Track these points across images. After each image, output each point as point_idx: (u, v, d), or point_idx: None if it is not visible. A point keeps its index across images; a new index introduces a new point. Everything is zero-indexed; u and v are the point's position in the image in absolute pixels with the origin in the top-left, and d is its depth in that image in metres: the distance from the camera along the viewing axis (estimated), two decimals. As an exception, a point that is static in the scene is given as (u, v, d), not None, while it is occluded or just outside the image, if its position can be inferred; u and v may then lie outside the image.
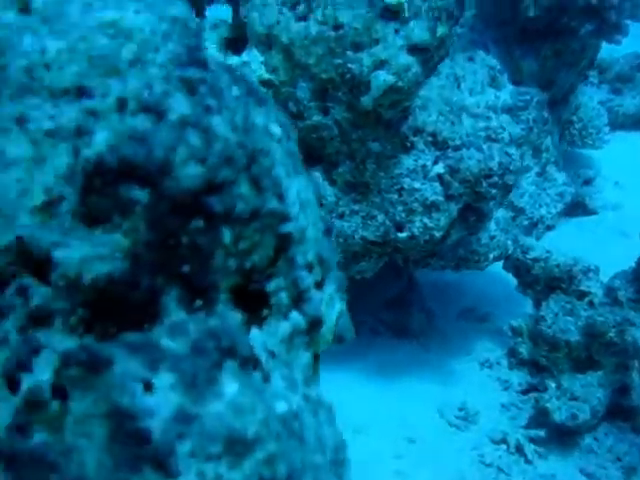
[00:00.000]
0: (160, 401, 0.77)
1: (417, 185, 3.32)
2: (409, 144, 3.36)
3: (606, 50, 5.78)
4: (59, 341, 0.88)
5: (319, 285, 1.03)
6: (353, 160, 3.39)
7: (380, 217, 3.39)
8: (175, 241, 0.87)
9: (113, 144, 0.85)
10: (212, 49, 3.59)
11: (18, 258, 0.87)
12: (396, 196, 3.35)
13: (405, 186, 3.33)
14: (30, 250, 0.87)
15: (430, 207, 3.32)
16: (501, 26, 5.73)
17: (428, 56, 3.30)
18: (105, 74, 0.89)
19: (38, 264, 0.88)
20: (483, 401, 3.94)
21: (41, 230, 0.86)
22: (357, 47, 3.25)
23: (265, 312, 0.96)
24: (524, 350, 4.13)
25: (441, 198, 3.34)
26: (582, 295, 3.81)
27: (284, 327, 0.97)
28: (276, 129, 0.98)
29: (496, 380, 4.13)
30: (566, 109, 5.77)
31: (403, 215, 3.33)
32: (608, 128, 5.85)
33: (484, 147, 3.49)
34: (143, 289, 0.87)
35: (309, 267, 1.00)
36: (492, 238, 3.84)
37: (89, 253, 0.86)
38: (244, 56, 3.49)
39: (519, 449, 3.67)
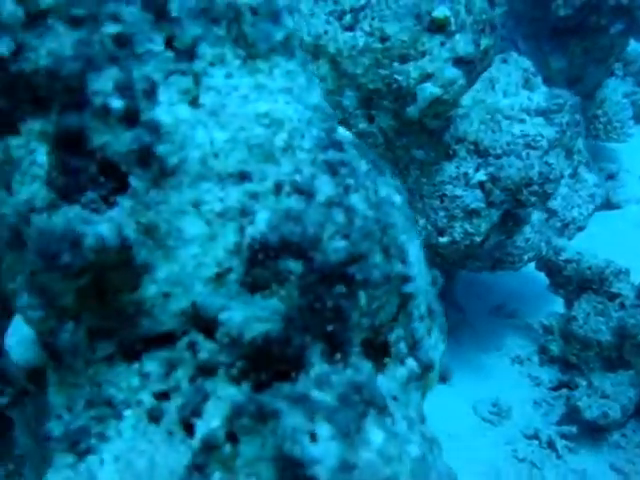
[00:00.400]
0: (324, 451, 0.93)
1: (459, 192, 3.45)
2: (451, 152, 3.49)
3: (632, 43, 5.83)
4: (222, 389, 1.03)
5: (428, 332, 1.18)
6: (397, 167, 3.53)
7: (422, 222, 3.53)
8: (321, 305, 1.02)
9: (273, 223, 1.00)
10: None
11: (190, 319, 1.03)
12: (438, 202, 3.49)
13: (447, 193, 3.46)
14: (201, 312, 1.02)
15: (471, 213, 3.45)
16: (531, 23, 5.82)
17: (472, 68, 3.42)
18: (262, 160, 1.04)
19: (206, 324, 1.03)
20: (515, 397, 4.08)
21: (212, 296, 1.01)
22: (404, 59, 3.37)
23: (386, 360, 1.11)
24: (555, 347, 4.26)
25: (482, 205, 3.47)
26: (613, 297, 3.94)
27: (402, 372, 1.12)
28: (396, 198, 1.12)
29: (527, 376, 4.27)
30: (592, 104, 5.87)
31: (445, 221, 3.47)
32: (633, 122, 5.92)
33: (523, 154, 3.62)
34: (294, 346, 1.03)
35: (422, 318, 1.15)
36: (527, 240, 3.97)
37: (250, 315, 1.02)
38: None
39: (551, 444, 3.81)
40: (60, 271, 0.91)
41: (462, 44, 3.37)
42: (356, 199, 1.04)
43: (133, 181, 0.98)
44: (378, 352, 1.09)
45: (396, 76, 3.38)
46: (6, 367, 1.16)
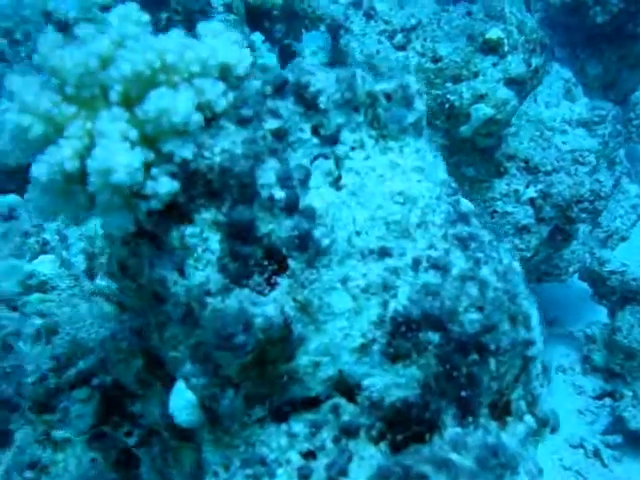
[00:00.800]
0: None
1: (509, 208, 3.52)
2: (502, 169, 3.56)
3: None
4: (364, 449, 1.12)
5: (542, 387, 1.26)
6: (448, 183, 3.60)
7: (472, 237, 3.60)
8: (457, 372, 1.11)
9: (414, 298, 1.08)
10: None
11: (335, 385, 1.11)
12: (488, 218, 3.56)
13: (498, 209, 3.53)
14: (346, 379, 1.11)
15: (522, 229, 3.52)
16: (567, 31, 5.85)
17: (523, 88, 3.48)
18: (400, 236, 1.12)
19: (349, 389, 1.12)
20: (560, 406, 4.15)
21: (356, 365, 1.10)
22: (456, 79, 3.44)
23: (508, 418, 1.20)
24: (598, 357, 4.32)
25: (532, 221, 3.54)
26: (658, 308, 3.99)
27: (521, 429, 1.20)
28: (516, 264, 1.20)
29: (571, 385, 4.33)
30: (626, 108, 5.91)
31: (495, 237, 3.54)
32: (665, 125, 5.93)
33: (572, 170, 3.68)
34: (430, 410, 1.11)
35: (538, 375, 1.23)
36: (573, 252, 4.03)
37: (390, 382, 1.10)
38: (344, 83, 3.70)
39: (596, 454, 3.88)
40: (234, 350, 1.00)
41: (514, 65, 3.43)
42: (486, 272, 1.11)
43: (292, 263, 1.07)
44: (501, 411, 1.17)
45: (449, 96, 3.45)
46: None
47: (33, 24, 3.91)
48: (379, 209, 1.13)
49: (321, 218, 1.08)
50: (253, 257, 1.04)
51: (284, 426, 1.12)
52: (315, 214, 1.07)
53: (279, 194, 1.05)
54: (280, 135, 1.08)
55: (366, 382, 1.10)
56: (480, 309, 1.10)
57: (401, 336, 1.09)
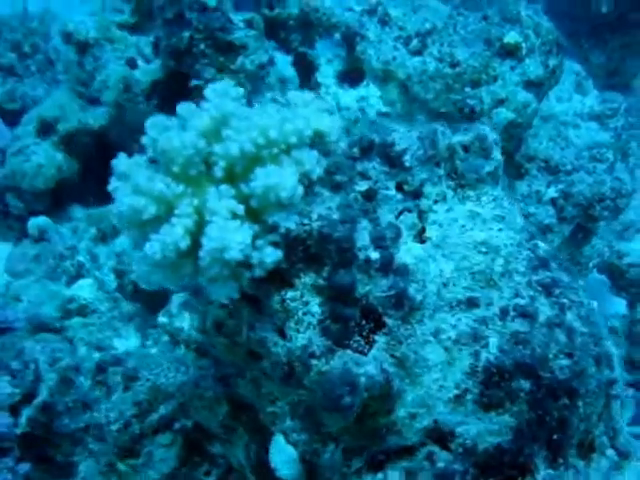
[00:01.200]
0: None
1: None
2: (523, 171, 3.59)
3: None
4: (460, 495, 1.15)
5: (622, 420, 1.29)
6: (469, 187, 3.62)
7: (495, 239, 3.63)
8: (548, 417, 1.14)
9: (504, 347, 1.11)
10: (329, 82, 3.81)
11: (429, 433, 1.15)
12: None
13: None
14: (440, 427, 1.14)
15: (544, 229, 3.55)
16: (572, 21, 5.87)
17: (541, 89, 3.50)
18: (485, 286, 1.15)
19: (443, 437, 1.15)
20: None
21: (451, 414, 1.13)
22: (475, 84, 3.45)
23: (592, 454, 1.23)
24: (618, 349, 4.35)
25: (554, 221, 3.57)
26: (679, 300, 4.02)
27: (604, 463, 1.24)
28: (594, 303, 1.24)
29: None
30: (630, 93, 5.94)
31: (519, 238, 3.57)
32: (668, 107, 5.98)
33: (590, 167, 3.71)
34: (523, 454, 1.14)
35: (620, 411, 1.27)
36: (592, 247, 4.07)
37: (483, 429, 1.14)
38: (362, 91, 3.71)
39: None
40: (342, 411, 1.04)
41: (532, 67, 3.45)
42: (571, 317, 1.15)
43: (388, 320, 1.10)
44: (587, 449, 1.21)
45: (468, 100, 3.47)
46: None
47: (40, 36, 3.92)
48: (464, 260, 1.15)
49: (413, 274, 1.11)
50: (353, 318, 1.07)
51: (380, 475, 1.16)
52: (408, 271, 1.10)
53: (374, 255, 1.08)
54: (370, 196, 1.11)
55: (459, 429, 1.13)
56: (569, 355, 1.13)
57: (494, 385, 1.12)
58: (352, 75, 3.82)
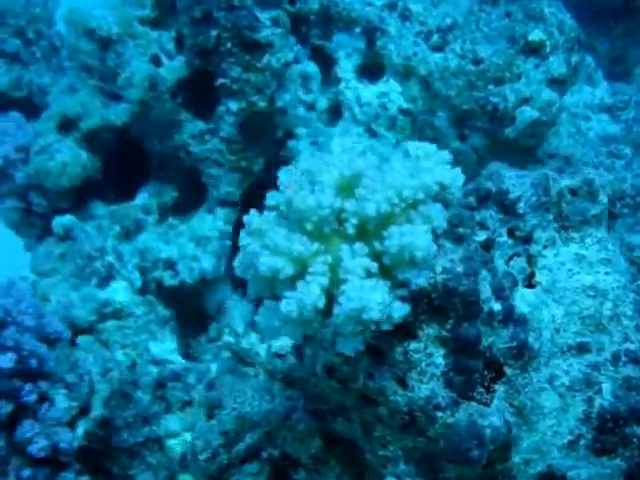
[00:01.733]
0: None
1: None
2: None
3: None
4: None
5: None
6: (490, 183, 3.63)
7: (516, 235, 3.65)
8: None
9: (617, 393, 1.13)
10: (349, 77, 3.78)
11: (541, 477, 1.16)
12: None
13: (541, 207, 3.57)
14: (553, 472, 1.16)
15: (565, 226, 3.57)
16: (577, 9, 5.86)
17: (564, 86, 3.50)
18: (595, 330, 1.16)
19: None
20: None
21: (564, 459, 1.14)
22: (499, 81, 3.45)
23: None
24: (630, 340, 4.41)
25: (575, 218, 3.59)
26: (693, 293, 4.07)
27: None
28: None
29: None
30: (632, 79, 5.96)
31: (539, 234, 3.58)
32: (670, 92, 6.01)
33: (608, 163, 3.73)
34: (632, 495, 1.16)
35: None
36: (606, 241, 4.11)
37: (595, 473, 1.15)
38: (382, 86, 3.69)
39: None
40: (470, 464, 1.04)
41: (555, 65, 3.45)
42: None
43: (508, 370, 1.11)
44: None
45: (491, 98, 3.46)
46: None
47: (44, 22, 3.85)
48: (573, 304, 1.16)
49: (531, 324, 1.11)
50: (477, 370, 1.08)
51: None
52: (526, 320, 1.10)
53: (497, 307, 1.08)
54: (488, 246, 1.11)
55: (571, 473, 1.15)
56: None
57: (608, 432, 1.13)
58: (371, 70, 3.80)
